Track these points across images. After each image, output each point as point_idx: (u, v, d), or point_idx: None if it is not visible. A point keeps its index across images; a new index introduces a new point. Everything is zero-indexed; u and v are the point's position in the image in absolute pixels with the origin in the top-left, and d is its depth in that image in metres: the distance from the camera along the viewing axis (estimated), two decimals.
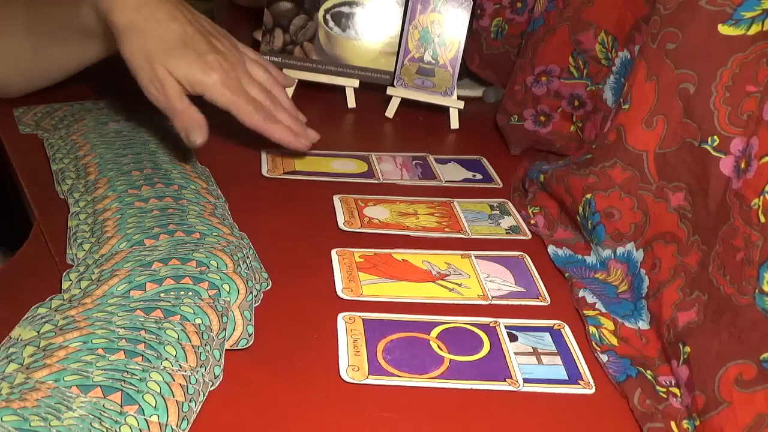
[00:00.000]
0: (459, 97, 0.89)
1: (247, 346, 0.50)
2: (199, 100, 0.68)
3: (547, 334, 0.54)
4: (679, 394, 0.48)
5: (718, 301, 0.48)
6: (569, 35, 0.77)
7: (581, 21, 0.75)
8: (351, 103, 0.93)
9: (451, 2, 0.88)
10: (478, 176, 0.79)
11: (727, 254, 0.48)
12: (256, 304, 0.54)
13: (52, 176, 0.68)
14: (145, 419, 0.41)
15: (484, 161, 0.82)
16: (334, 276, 0.58)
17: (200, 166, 0.70)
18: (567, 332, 0.54)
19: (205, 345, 0.47)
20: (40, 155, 0.72)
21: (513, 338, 0.53)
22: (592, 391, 0.49)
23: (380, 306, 0.55)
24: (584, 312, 0.56)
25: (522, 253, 0.64)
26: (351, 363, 0.49)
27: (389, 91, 0.91)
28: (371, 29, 0.91)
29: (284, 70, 0.92)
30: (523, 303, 0.58)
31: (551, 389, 0.49)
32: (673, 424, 0.46)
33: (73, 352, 0.44)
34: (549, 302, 0.58)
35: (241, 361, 0.49)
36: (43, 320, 0.47)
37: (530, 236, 0.67)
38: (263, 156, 0.77)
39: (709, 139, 0.53)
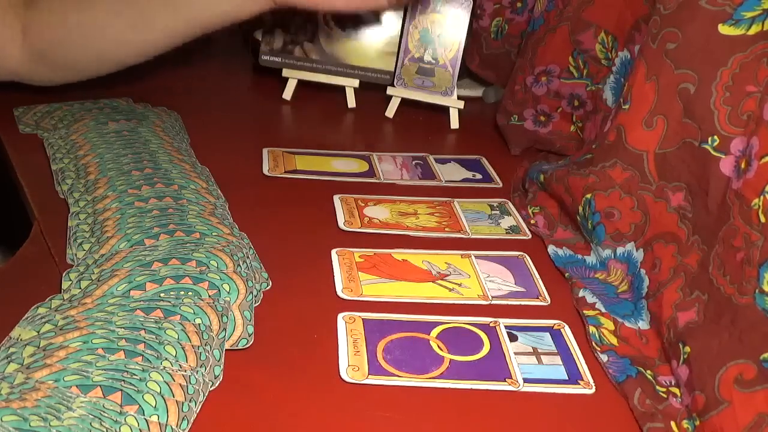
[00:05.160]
0: (459, 97, 0.89)
1: (247, 346, 0.50)
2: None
3: (547, 334, 0.54)
4: (679, 394, 0.48)
5: (718, 301, 0.48)
6: (569, 35, 0.77)
7: (581, 21, 0.75)
8: (351, 103, 0.93)
9: (451, 2, 0.88)
10: (478, 176, 0.79)
11: (727, 254, 0.48)
12: (256, 304, 0.54)
13: (52, 176, 0.68)
14: (145, 419, 0.41)
15: (484, 161, 0.82)
16: (334, 276, 0.58)
17: (200, 166, 0.70)
18: (567, 332, 0.54)
19: (205, 345, 0.47)
20: (40, 155, 0.72)
21: (513, 338, 0.53)
22: (592, 391, 0.49)
23: (380, 306, 0.55)
24: (584, 312, 0.56)
25: (522, 253, 0.64)
26: (351, 363, 0.49)
27: (389, 91, 0.91)
28: (371, 29, 0.91)
29: (284, 70, 0.92)
30: (523, 303, 0.58)
31: (551, 389, 0.49)
32: (673, 424, 0.46)
33: (73, 352, 0.44)
34: (549, 302, 0.58)
35: (241, 361, 0.49)
36: (43, 320, 0.47)
37: (530, 236, 0.67)
38: (264, 155, 0.77)
39: (709, 139, 0.53)
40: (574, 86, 0.79)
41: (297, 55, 0.92)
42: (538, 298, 0.58)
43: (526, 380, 0.49)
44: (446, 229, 0.67)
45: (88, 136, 0.73)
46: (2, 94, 0.86)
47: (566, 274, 0.61)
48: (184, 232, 0.57)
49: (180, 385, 0.43)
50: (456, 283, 0.59)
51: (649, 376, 0.50)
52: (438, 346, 0.52)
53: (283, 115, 0.91)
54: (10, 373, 0.42)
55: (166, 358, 0.45)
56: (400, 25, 0.90)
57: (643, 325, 0.55)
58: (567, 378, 0.50)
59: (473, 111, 0.94)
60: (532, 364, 0.51)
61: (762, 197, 0.46)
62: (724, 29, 0.53)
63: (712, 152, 0.53)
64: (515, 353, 0.52)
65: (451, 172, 0.79)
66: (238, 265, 0.54)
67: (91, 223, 0.59)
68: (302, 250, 0.62)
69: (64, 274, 0.53)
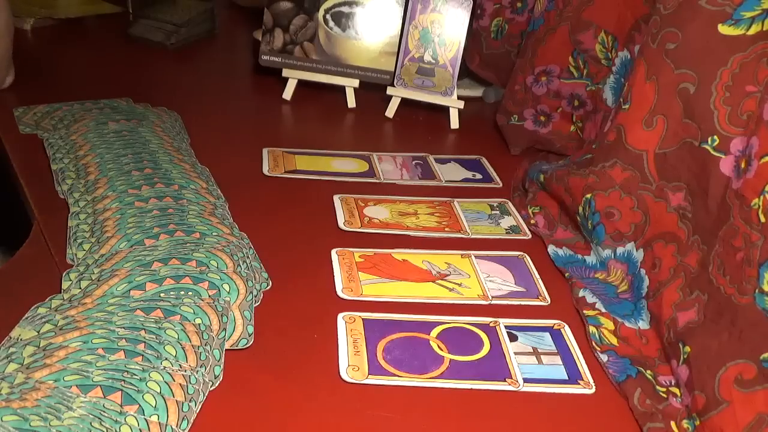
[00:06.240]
0: (459, 97, 0.89)
1: (247, 346, 0.50)
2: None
3: (547, 334, 0.54)
4: (679, 394, 0.48)
5: (718, 301, 0.48)
6: (569, 35, 0.77)
7: (581, 21, 0.75)
8: (351, 103, 0.93)
9: (451, 2, 0.88)
10: (478, 176, 0.79)
11: (727, 254, 0.48)
12: (256, 304, 0.54)
13: (52, 176, 0.68)
14: (145, 419, 0.41)
15: (484, 161, 0.82)
16: (334, 276, 0.58)
17: (200, 166, 0.70)
18: (567, 332, 0.54)
19: (205, 345, 0.47)
20: (40, 155, 0.72)
21: (513, 338, 0.53)
22: (592, 391, 0.49)
23: (380, 306, 0.55)
24: (584, 312, 0.56)
25: (522, 253, 0.64)
26: (351, 363, 0.49)
27: (389, 91, 0.91)
28: (371, 29, 0.91)
29: (284, 71, 0.92)
30: (523, 303, 0.58)
31: (551, 389, 0.49)
32: (673, 423, 0.46)
33: (73, 352, 0.44)
34: (549, 302, 0.58)
35: (241, 361, 0.49)
36: (43, 320, 0.47)
37: (530, 236, 0.67)
38: (264, 155, 0.77)
39: (709, 139, 0.53)
40: (574, 86, 0.79)
41: (297, 55, 0.92)
42: (538, 298, 0.58)
43: (526, 380, 0.49)
44: (446, 229, 0.67)
45: (88, 136, 0.73)
46: (2, 94, 0.86)
47: (566, 274, 0.61)
48: (184, 232, 0.57)
49: (180, 385, 0.43)
50: (456, 283, 0.59)
51: (649, 376, 0.50)
52: (438, 346, 0.52)
53: (283, 115, 0.91)
54: (10, 373, 0.42)
55: (166, 358, 0.45)
56: (400, 25, 0.90)
57: (643, 325, 0.55)
58: (567, 378, 0.50)
59: (473, 111, 0.94)
60: (532, 364, 0.51)
61: (762, 197, 0.46)
62: (724, 29, 0.53)
63: (712, 152, 0.53)
64: (515, 353, 0.52)
65: (451, 172, 0.79)
66: (238, 265, 0.54)
67: (91, 223, 0.59)
68: (302, 249, 0.62)
69: (64, 274, 0.53)
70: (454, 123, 0.90)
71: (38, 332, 0.46)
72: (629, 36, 0.69)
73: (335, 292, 0.56)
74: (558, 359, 0.52)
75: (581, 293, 0.58)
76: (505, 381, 0.49)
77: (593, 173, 0.61)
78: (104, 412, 0.40)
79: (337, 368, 0.49)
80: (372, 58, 0.91)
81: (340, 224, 0.66)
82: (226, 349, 0.48)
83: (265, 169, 0.75)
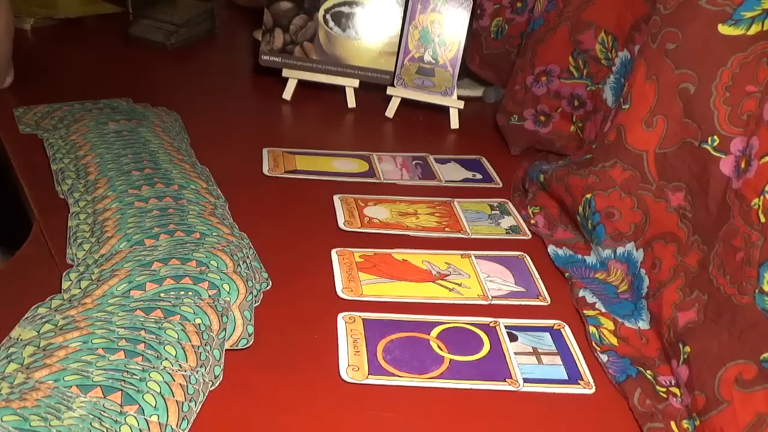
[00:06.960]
0: (459, 97, 0.89)
1: (247, 346, 0.50)
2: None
3: (547, 334, 0.54)
4: (679, 394, 0.48)
5: (718, 301, 0.48)
6: (569, 35, 0.77)
7: (581, 21, 0.75)
8: (351, 103, 0.93)
9: (451, 2, 0.88)
10: (478, 176, 0.79)
11: (727, 254, 0.48)
12: (256, 304, 0.54)
13: (52, 176, 0.68)
14: (145, 419, 0.41)
15: (484, 161, 0.82)
16: (334, 276, 0.58)
17: (200, 166, 0.70)
18: (567, 332, 0.54)
19: (205, 345, 0.47)
20: (40, 155, 0.72)
21: (513, 338, 0.53)
22: (592, 391, 0.49)
23: (380, 306, 0.55)
24: (584, 312, 0.56)
25: (522, 253, 0.64)
26: (351, 363, 0.49)
27: (389, 91, 0.91)
28: (371, 29, 0.91)
29: (284, 71, 0.92)
30: (523, 303, 0.58)
31: (551, 389, 0.49)
32: (673, 423, 0.46)
33: (73, 352, 0.44)
34: (549, 302, 0.58)
35: (241, 361, 0.49)
36: (43, 320, 0.47)
37: (530, 236, 0.67)
38: (264, 155, 0.77)
39: (709, 139, 0.53)
40: (574, 86, 0.79)
41: (297, 55, 0.92)
42: (538, 298, 0.58)
43: (526, 380, 0.49)
44: (446, 229, 0.67)
45: (88, 136, 0.73)
46: (2, 94, 0.86)
47: (566, 274, 0.61)
48: (184, 232, 0.57)
49: (180, 385, 0.43)
50: (456, 283, 0.59)
51: (649, 376, 0.50)
52: (438, 346, 0.52)
53: (283, 115, 0.91)
54: (10, 373, 0.42)
55: (166, 358, 0.45)
56: (400, 25, 0.90)
57: (643, 325, 0.55)
58: (567, 378, 0.50)
59: (473, 111, 0.94)
60: (532, 364, 0.51)
61: (762, 197, 0.46)
62: (724, 29, 0.53)
63: (712, 152, 0.53)
64: (515, 353, 0.52)
65: (451, 172, 0.79)
66: (238, 265, 0.54)
67: (91, 223, 0.59)
68: (302, 249, 0.62)
69: (64, 274, 0.53)
70: (454, 123, 0.90)
71: (38, 332, 0.46)
72: (629, 36, 0.69)
73: (335, 292, 0.56)
74: (558, 359, 0.52)
75: (581, 293, 0.58)
76: (505, 381, 0.49)
77: (593, 173, 0.61)
78: (104, 412, 0.40)
79: (337, 368, 0.49)
80: (372, 58, 0.91)
81: (340, 224, 0.66)
82: (226, 349, 0.48)
83: (265, 169, 0.75)
